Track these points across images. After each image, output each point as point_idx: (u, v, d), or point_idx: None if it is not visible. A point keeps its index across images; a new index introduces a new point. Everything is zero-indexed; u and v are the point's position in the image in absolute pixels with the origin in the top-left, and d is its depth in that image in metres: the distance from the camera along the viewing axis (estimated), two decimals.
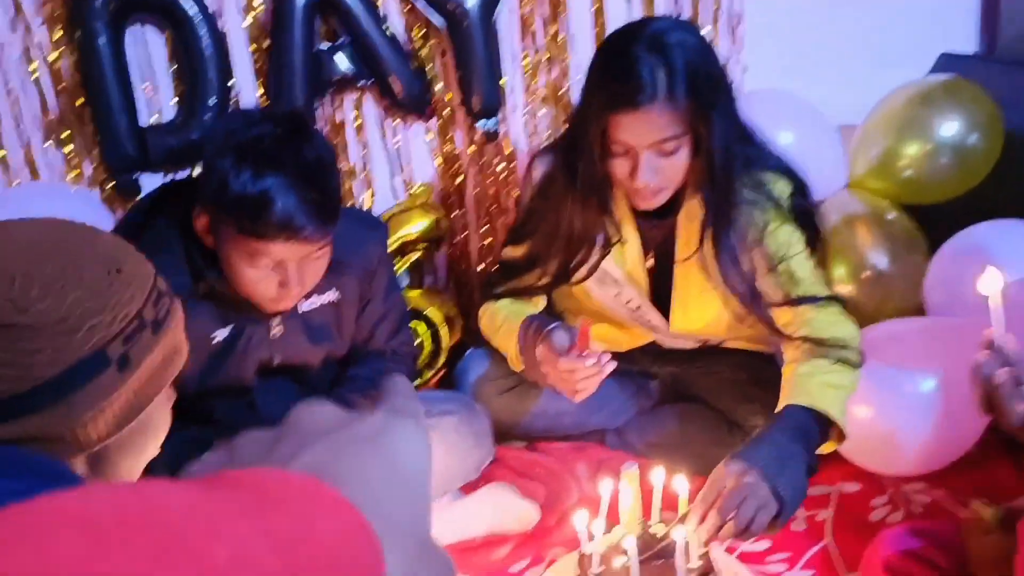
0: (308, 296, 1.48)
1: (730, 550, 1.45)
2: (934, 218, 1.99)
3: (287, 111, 1.59)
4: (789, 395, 1.40)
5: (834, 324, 1.47)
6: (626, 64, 1.35)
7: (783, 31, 2.20)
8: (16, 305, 0.77)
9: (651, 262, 1.62)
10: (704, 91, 1.37)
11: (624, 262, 1.61)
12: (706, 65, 1.39)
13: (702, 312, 1.63)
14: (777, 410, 1.41)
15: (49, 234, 0.83)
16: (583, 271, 1.58)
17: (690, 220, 1.54)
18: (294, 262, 1.33)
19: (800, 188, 1.54)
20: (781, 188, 1.52)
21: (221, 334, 1.45)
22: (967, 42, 2.39)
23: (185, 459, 1.05)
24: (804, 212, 1.54)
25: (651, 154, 1.39)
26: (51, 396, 0.79)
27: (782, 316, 1.50)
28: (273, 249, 1.30)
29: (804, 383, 1.39)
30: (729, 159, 1.42)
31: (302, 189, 1.28)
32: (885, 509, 1.59)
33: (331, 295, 1.53)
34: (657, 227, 1.57)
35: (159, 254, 1.39)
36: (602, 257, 1.57)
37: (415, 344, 1.79)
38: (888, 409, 1.56)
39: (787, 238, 1.51)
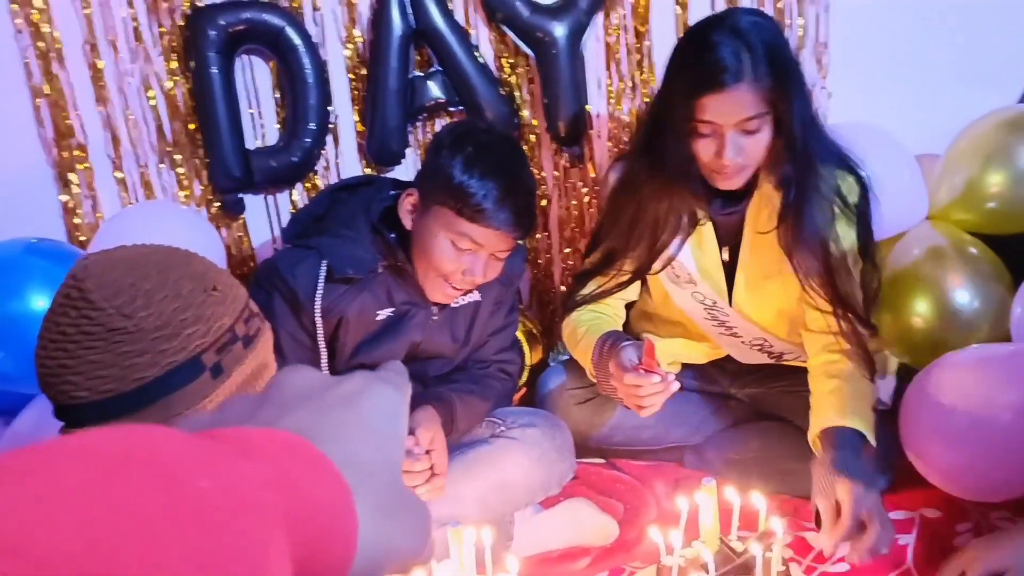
0: (466, 295, 1.67)
1: (808, 571, 1.47)
2: (1015, 248, 1.96)
3: (506, 133, 1.83)
4: (850, 412, 1.51)
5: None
6: (709, 49, 1.44)
7: (868, 57, 2.21)
8: (122, 312, 0.88)
9: (726, 255, 1.67)
10: (783, 71, 1.46)
11: (700, 254, 1.66)
12: (782, 46, 1.49)
13: (767, 299, 1.69)
14: (833, 423, 1.51)
15: (152, 255, 0.95)
16: (665, 255, 1.65)
17: (762, 203, 1.60)
18: (486, 253, 1.54)
19: (864, 192, 1.60)
20: (849, 186, 1.58)
21: (384, 313, 1.63)
22: None
23: None
24: (864, 217, 1.61)
25: (736, 133, 1.47)
26: (151, 396, 0.90)
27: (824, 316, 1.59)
28: (478, 233, 1.53)
29: (860, 404, 1.53)
30: (808, 136, 1.50)
31: (516, 194, 1.54)
32: (968, 536, 1.58)
33: (475, 296, 1.70)
34: (729, 213, 1.63)
35: (347, 230, 1.62)
36: (687, 237, 1.65)
37: (518, 366, 1.90)
38: (972, 435, 1.55)
39: (849, 239, 1.58)
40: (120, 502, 0.31)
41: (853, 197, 1.59)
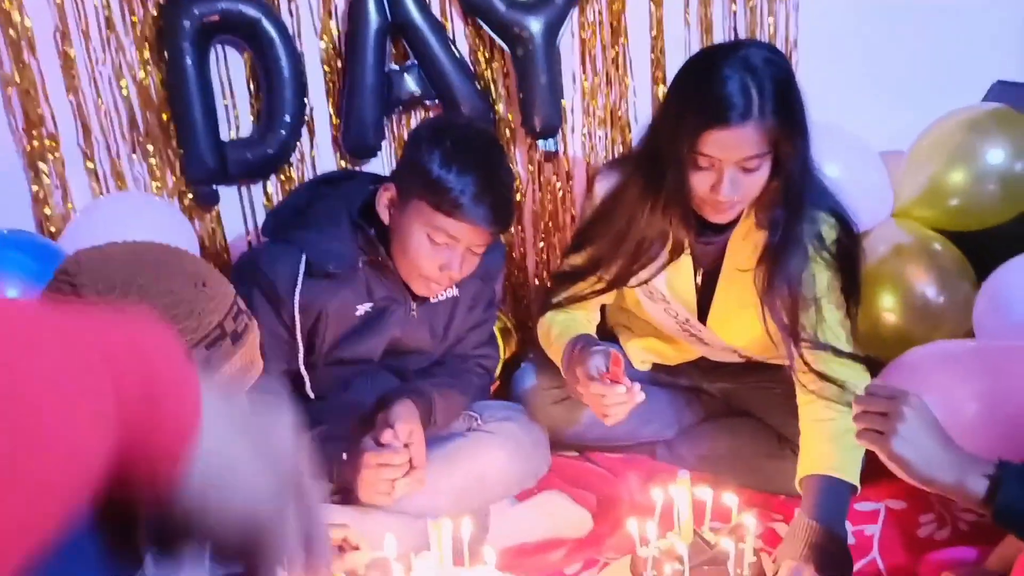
0: (444, 290, 1.67)
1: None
2: (978, 245, 2.02)
3: (485, 128, 1.81)
4: (820, 462, 1.49)
5: (853, 376, 1.54)
6: (718, 82, 1.41)
7: (836, 56, 2.25)
8: (114, 307, 0.88)
9: (699, 280, 1.68)
10: (790, 112, 1.43)
11: (675, 277, 1.67)
12: (792, 86, 1.45)
13: (741, 328, 1.69)
14: (807, 472, 1.50)
15: (143, 252, 0.97)
16: (643, 275, 1.65)
17: (743, 238, 1.60)
18: (463, 248, 1.54)
19: (847, 233, 1.59)
20: (828, 230, 1.57)
21: (364, 308, 1.64)
22: (1021, 69, 2.41)
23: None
24: (846, 259, 1.59)
25: (735, 170, 1.45)
26: None
27: (805, 354, 1.55)
28: (455, 228, 1.54)
29: (831, 449, 1.49)
30: (804, 180, 1.49)
31: (494, 189, 1.55)
32: (932, 526, 1.62)
33: (453, 292, 1.71)
34: (710, 243, 1.63)
35: (328, 225, 1.62)
36: (666, 264, 1.64)
37: (496, 361, 1.91)
38: None
39: (824, 282, 1.56)
40: None
41: (831, 241, 1.57)
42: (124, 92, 2.02)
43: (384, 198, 1.60)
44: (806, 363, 1.54)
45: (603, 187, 1.69)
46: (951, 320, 1.94)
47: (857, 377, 1.54)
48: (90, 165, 2.05)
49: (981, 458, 1.11)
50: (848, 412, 1.23)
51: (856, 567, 1.52)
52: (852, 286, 1.62)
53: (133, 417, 0.39)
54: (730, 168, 1.44)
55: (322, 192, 1.68)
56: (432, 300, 1.70)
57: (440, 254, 1.56)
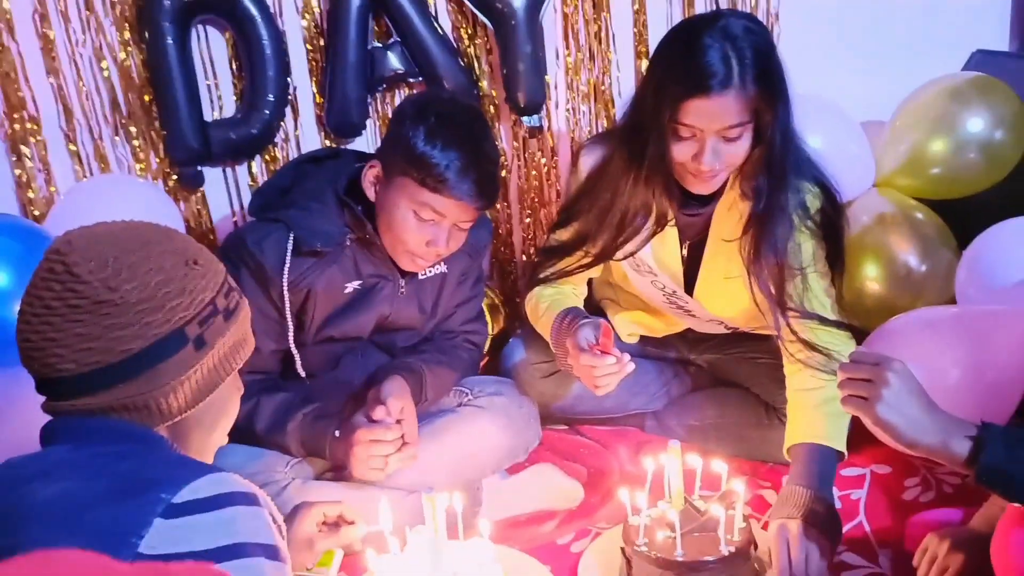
0: (432, 266, 1.68)
1: (765, 526, 1.53)
2: (959, 213, 2.04)
3: (469, 103, 1.79)
4: (807, 430, 1.52)
5: (839, 344, 1.56)
6: (699, 51, 1.41)
7: (818, 27, 2.25)
8: (107, 285, 0.90)
9: (685, 251, 1.70)
10: (771, 80, 1.44)
11: (660, 248, 1.68)
12: (772, 55, 1.46)
13: (727, 299, 1.70)
14: (795, 440, 1.52)
15: (134, 230, 0.97)
16: (629, 247, 1.67)
17: (728, 210, 1.61)
18: (449, 223, 1.55)
19: (831, 202, 1.61)
20: (812, 200, 1.58)
21: (353, 285, 1.64)
22: (1001, 39, 2.43)
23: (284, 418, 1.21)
24: (830, 228, 1.61)
25: (716, 139, 1.46)
26: (137, 367, 0.92)
27: (792, 323, 1.57)
28: (441, 204, 1.54)
29: (818, 418, 1.52)
30: (786, 149, 1.50)
31: (479, 164, 1.55)
32: (917, 490, 1.65)
33: (441, 268, 1.71)
34: (695, 214, 1.65)
35: (315, 203, 1.63)
36: (652, 236, 1.65)
37: (484, 336, 1.92)
38: None
39: (810, 251, 1.58)
40: None
41: (815, 211, 1.59)
42: (105, 74, 2.00)
43: (370, 175, 1.60)
44: (793, 332, 1.56)
45: (587, 162, 1.70)
46: (933, 288, 1.96)
47: (843, 345, 1.57)
48: (73, 148, 2.04)
49: (964, 420, 1.13)
50: (834, 381, 1.24)
51: (843, 530, 1.55)
52: (836, 255, 1.64)
53: None
54: (711, 137, 1.46)
55: (307, 171, 1.68)
56: (420, 276, 1.70)
57: (426, 230, 1.57)
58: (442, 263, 1.71)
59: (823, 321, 1.58)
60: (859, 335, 1.71)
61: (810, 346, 1.55)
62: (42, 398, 0.95)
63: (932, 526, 1.41)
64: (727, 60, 1.40)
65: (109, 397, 0.92)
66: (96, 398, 0.92)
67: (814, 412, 1.53)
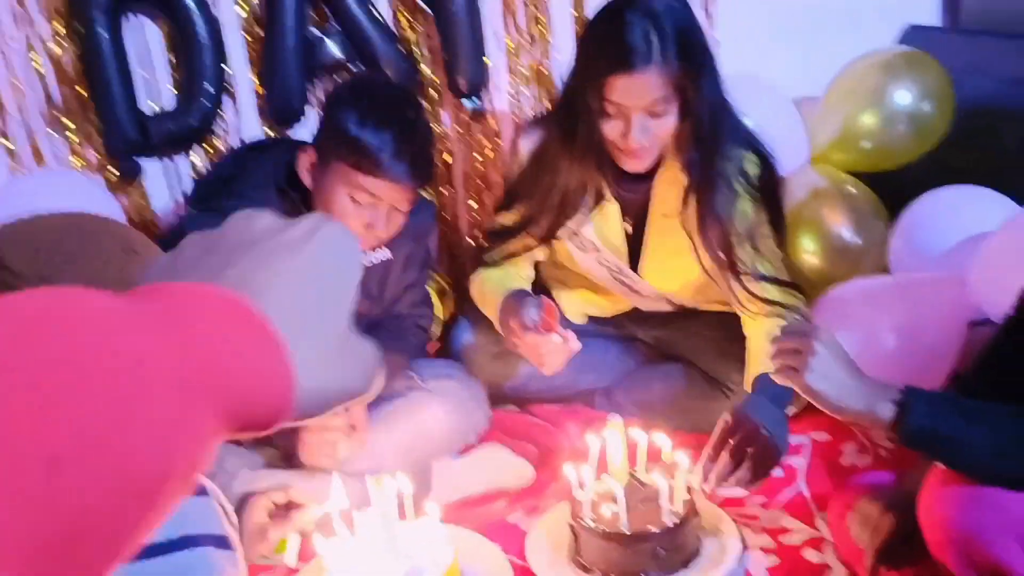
0: (373, 250, 1.68)
1: (711, 497, 1.56)
2: (891, 184, 2.10)
3: (400, 85, 1.81)
4: (763, 362, 1.51)
5: (792, 301, 1.61)
6: (620, 29, 1.45)
7: (753, 4, 2.29)
8: (41, 274, 0.88)
9: (628, 227, 1.72)
10: (693, 55, 1.48)
11: (603, 225, 1.71)
12: (694, 31, 1.50)
13: (673, 274, 1.74)
14: (752, 373, 1.54)
15: (70, 220, 0.95)
16: (571, 226, 1.69)
17: (668, 184, 1.64)
18: (386, 205, 1.55)
19: (768, 167, 1.65)
20: (751, 166, 1.62)
21: None
22: (933, 13, 2.49)
23: None
24: (770, 192, 1.65)
25: (642, 115, 1.49)
26: None
27: (748, 285, 1.61)
28: (377, 186, 1.55)
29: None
30: (715, 121, 1.53)
31: (411, 145, 1.56)
32: (854, 455, 1.70)
33: (385, 254, 1.72)
34: (634, 192, 1.67)
35: (258, 190, 1.62)
36: (591, 211, 1.67)
37: (431, 320, 1.94)
38: (859, 361, 1.67)
39: (754, 216, 1.62)
40: (19, 368, 0.30)
41: (754, 175, 1.62)
42: (38, 67, 1.97)
43: (304, 162, 1.60)
44: (751, 293, 1.60)
45: (527, 145, 1.72)
46: (869, 258, 2.02)
47: (797, 302, 1.61)
48: (6, 143, 2.00)
49: (890, 385, 1.17)
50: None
51: (783, 497, 1.60)
52: (778, 217, 1.68)
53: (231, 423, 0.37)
54: (638, 114, 1.49)
55: (248, 160, 1.67)
56: (365, 264, 1.71)
57: (364, 213, 1.57)
58: (386, 249, 1.72)
59: (776, 282, 1.62)
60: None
61: (769, 302, 1.60)
62: None
63: (864, 489, 1.46)
64: (647, 37, 1.44)
65: None
66: None
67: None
